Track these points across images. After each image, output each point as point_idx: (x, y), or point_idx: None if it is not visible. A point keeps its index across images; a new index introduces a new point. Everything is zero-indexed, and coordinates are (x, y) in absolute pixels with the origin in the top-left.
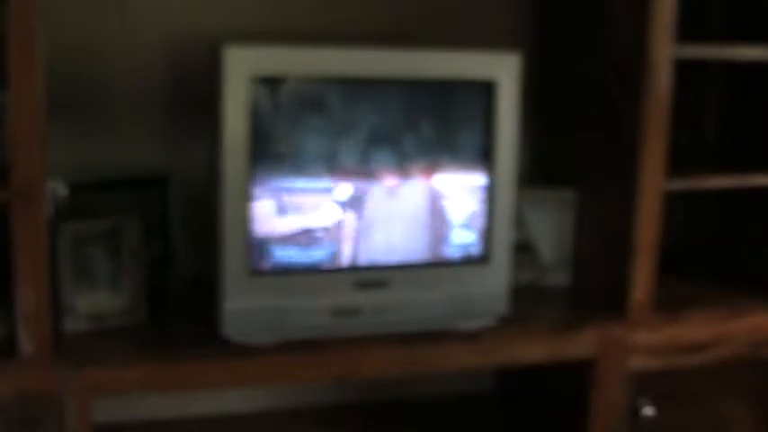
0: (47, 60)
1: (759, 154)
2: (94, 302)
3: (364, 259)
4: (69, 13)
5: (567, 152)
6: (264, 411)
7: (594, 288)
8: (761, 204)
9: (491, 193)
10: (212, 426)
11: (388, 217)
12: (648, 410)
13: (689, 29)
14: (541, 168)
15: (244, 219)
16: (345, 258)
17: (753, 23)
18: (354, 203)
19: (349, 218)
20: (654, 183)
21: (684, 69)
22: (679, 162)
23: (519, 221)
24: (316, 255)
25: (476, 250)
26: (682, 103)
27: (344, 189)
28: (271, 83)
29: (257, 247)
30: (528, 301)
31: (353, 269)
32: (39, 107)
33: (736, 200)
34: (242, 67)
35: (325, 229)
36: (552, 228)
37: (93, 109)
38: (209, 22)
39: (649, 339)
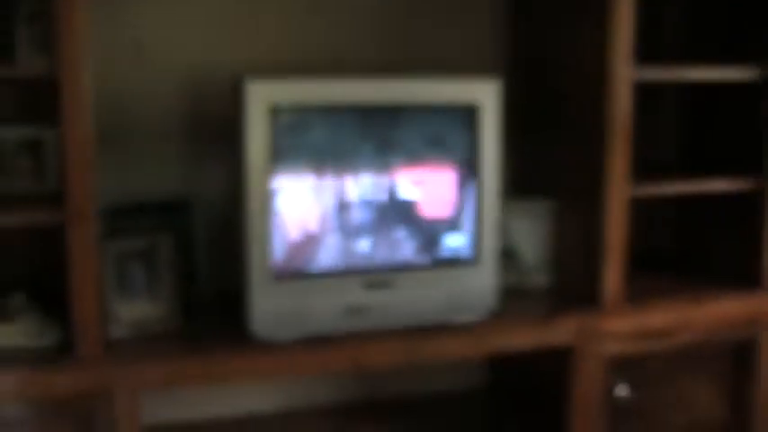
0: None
1: (717, 166)
2: (135, 311)
3: (372, 263)
4: (99, 56)
5: (544, 166)
6: (283, 410)
7: (572, 285)
8: (718, 209)
9: (478, 202)
10: (234, 425)
11: (388, 225)
12: (623, 391)
13: (649, 48)
14: (522, 182)
15: (266, 230)
16: (355, 263)
17: (712, 42)
18: (359, 211)
19: (356, 226)
20: (619, 190)
21: (646, 89)
22: (643, 174)
23: (503, 230)
24: (329, 260)
25: (466, 253)
26: (645, 121)
27: (350, 200)
28: (287, 111)
29: (279, 254)
30: (513, 299)
31: (363, 272)
32: (88, 140)
33: (698, 206)
34: (262, 99)
35: (336, 236)
36: (533, 235)
37: (123, 141)
38: (222, 58)
39: (621, 326)
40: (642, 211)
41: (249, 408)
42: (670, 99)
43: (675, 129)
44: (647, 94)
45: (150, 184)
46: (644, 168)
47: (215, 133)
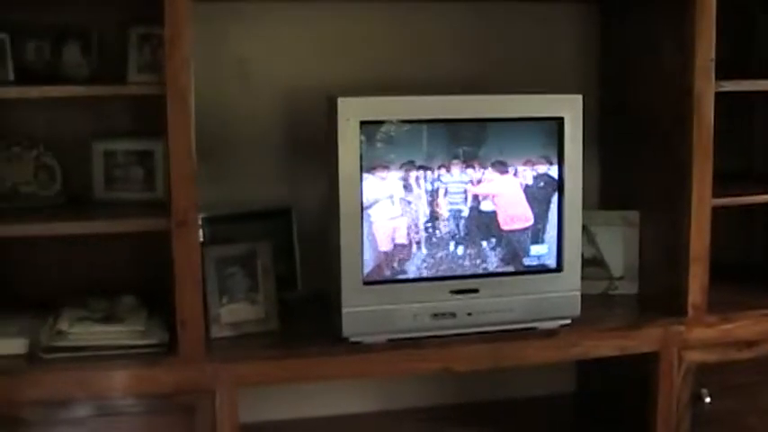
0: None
1: None
2: (235, 313)
3: (458, 270)
4: (206, 76)
5: (631, 178)
6: (374, 412)
7: (657, 294)
8: None
9: (562, 211)
10: (326, 426)
11: (474, 234)
12: (706, 399)
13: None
14: (611, 193)
15: (356, 237)
16: (442, 270)
17: None
18: (447, 221)
19: (442, 235)
20: (702, 201)
21: (734, 101)
22: (729, 184)
23: (591, 239)
24: (417, 267)
25: (550, 261)
26: (732, 132)
27: (438, 207)
28: (375, 125)
29: (368, 260)
30: (600, 306)
31: (449, 278)
32: (191, 152)
33: None
34: (352, 114)
35: (425, 244)
36: (620, 244)
37: (228, 154)
38: (319, 76)
39: (704, 336)
40: (737, 224)
41: (341, 409)
42: (761, 111)
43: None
44: (736, 107)
45: (253, 194)
46: (732, 179)
47: (313, 146)
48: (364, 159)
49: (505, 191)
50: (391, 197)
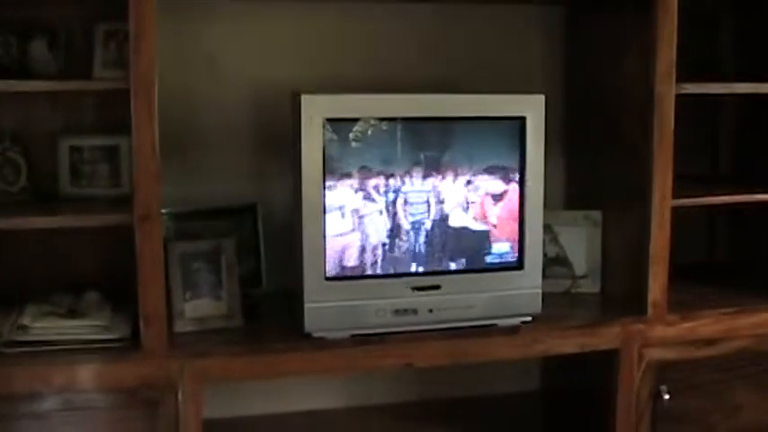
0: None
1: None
2: (199, 308)
3: (419, 267)
4: (173, 72)
5: (596, 179)
6: (339, 408)
7: (619, 292)
8: None
9: (522, 209)
10: (291, 422)
11: (436, 231)
12: (666, 396)
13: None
14: (576, 194)
15: (318, 234)
16: (403, 266)
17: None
18: (408, 217)
19: (404, 232)
20: (663, 201)
21: (699, 105)
22: (693, 186)
23: (554, 239)
24: (378, 263)
25: (512, 258)
26: (698, 135)
27: (399, 204)
28: (338, 122)
29: (330, 257)
30: (562, 305)
31: (411, 275)
32: (155, 147)
33: (753, 219)
34: (315, 111)
35: (387, 240)
36: (583, 243)
37: (192, 151)
38: (286, 74)
39: (664, 334)
40: (701, 224)
41: (306, 406)
42: (726, 115)
43: (730, 142)
44: (701, 111)
45: (220, 190)
46: (698, 181)
47: (279, 144)
48: (325, 156)
49: (468, 186)
50: (352, 194)
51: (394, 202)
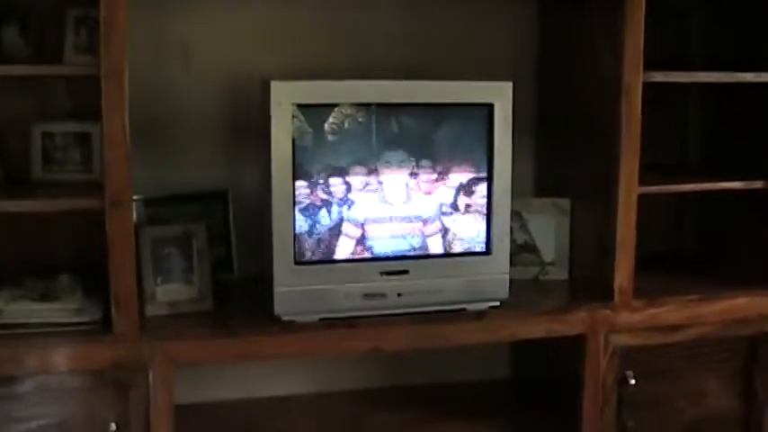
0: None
1: (735, 167)
2: (170, 293)
3: (389, 251)
4: (146, 59)
5: (564, 166)
6: (310, 393)
7: (586, 279)
8: (736, 210)
9: (490, 195)
10: (262, 406)
11: (407, 215)
12: (632, 381)
13: (674, 60)
14: (546, 181)
15: (288, 217)
16: (372, 251)
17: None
18: (378, 203)
19: (374, 215)
20: (629, 189)
21: (668, 95)
22: (661, 175)
23: (523, 226)
24: (347, 248)
25: (480, 244)
26: (667, 126)
27: (369, 190)
28: (308, 108)
29: (300, 241)
30: (530, 291)
31: (380, 259)
32: (125, 132)
33: (719, 207)
34: (285, 97)
35: (356, 226)
36: (552, 231)
37: (164, 137)
38: (257, 63)
39: (630, 320)
40: (669, 213)
41: (276, 391)
42: (695, 105)
43: (701, 132)
44: (675, 100)
45: (191, 176)
46: (666, 171)
47: (251, 130)
48: (295, 142)
49: (437, 172)
50: (322, 179)
51: (362, 184)
